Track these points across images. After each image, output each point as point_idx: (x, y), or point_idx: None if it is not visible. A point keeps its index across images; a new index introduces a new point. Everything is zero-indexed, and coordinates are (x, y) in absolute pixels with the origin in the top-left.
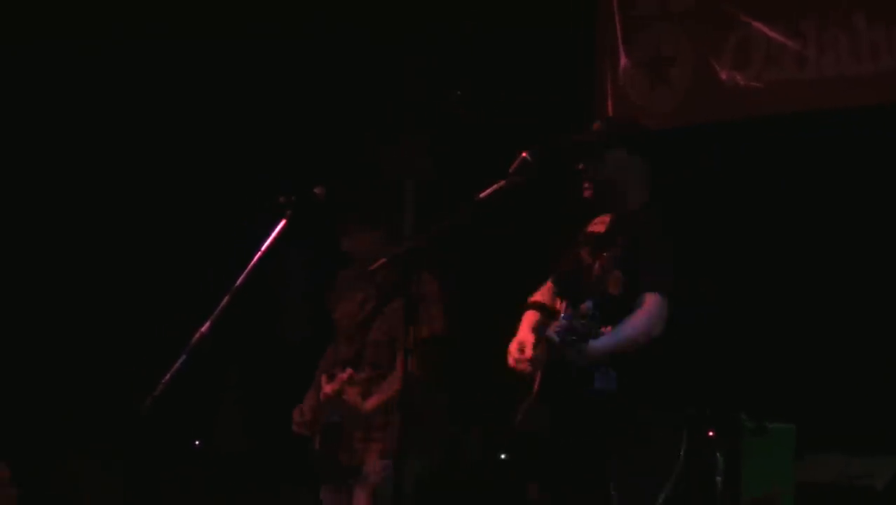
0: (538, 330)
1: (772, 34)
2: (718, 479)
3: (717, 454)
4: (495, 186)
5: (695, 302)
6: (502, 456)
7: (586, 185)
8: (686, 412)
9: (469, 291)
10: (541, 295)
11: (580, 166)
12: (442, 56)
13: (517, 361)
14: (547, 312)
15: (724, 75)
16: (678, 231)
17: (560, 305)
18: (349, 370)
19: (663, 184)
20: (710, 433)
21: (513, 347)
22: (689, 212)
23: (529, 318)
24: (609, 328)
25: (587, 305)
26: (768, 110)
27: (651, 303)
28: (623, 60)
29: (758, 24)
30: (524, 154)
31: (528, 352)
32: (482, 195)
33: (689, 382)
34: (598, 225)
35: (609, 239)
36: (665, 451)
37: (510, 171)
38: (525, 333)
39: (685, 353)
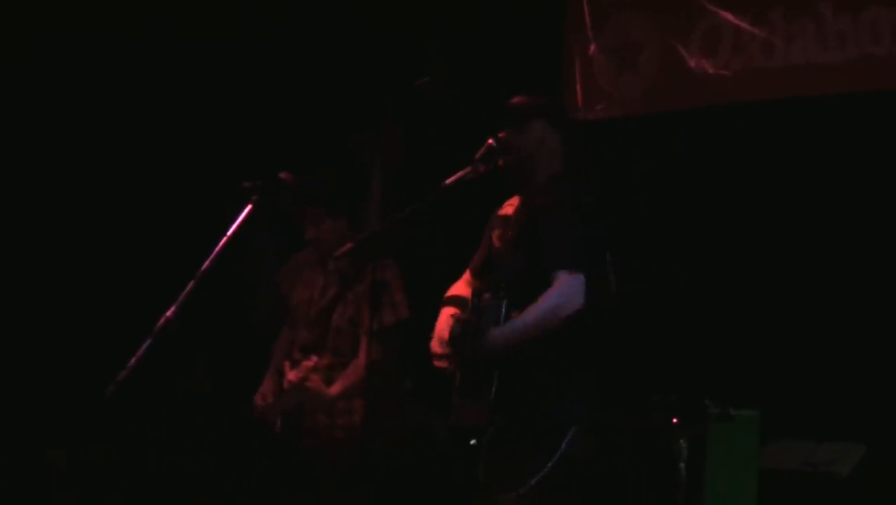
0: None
1: (739, 22)
2: (681, 465)
3: (681, 441)
4: (461, 173)
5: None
6: (472, 442)
7: (507, 156)
8: (652, 399)
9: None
10: (457, 288)
11: (501, 134)
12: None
13: (439, 358)
14: (462, 304)
15: (692, 63)
16: (590, 204)
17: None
18: (314, 358)
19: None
20: (674, 420)
21: (434, 343)
22: (656, 199)
23: (444, 315)
24: (518, 313)
25: (486, 297)
26: (736, 98)
27: (560, 281)
28: (591, 47)
29: (725, 14)
30: (490, 141)
31: (443, 350)
32: (448, 182)
33: (653, 368)
34: (508, 207)
35: (516, 219)
36: (546, 438)
37: (475, 157)
38: (442, 329)
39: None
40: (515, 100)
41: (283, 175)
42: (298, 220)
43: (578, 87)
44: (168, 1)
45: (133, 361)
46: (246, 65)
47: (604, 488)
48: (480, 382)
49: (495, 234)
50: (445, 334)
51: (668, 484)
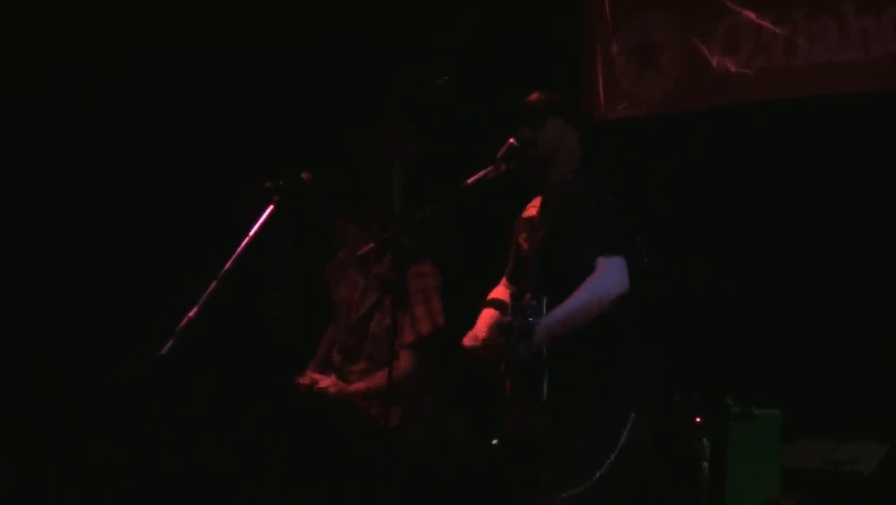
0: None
1: (761, 21)
2: (705, 464)
3: (704, 440)
4: (482, 173)
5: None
6: (493, 442)
7: (519, 141)
8: (672, 398)
9: (458, 277)
10: (498, 292)
11: (519, 132)
12: (431, 45)
13: (471, 349)
14: (502, 307)
15: (714, 62)
16: (613, 194)
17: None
18: (333, 379)
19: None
20: (697, 419)
21: (467, 339)
22: (677, 198)
23: (485, 315)
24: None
25: (528, 297)
26: (758, 97)
27: (601, 266)
28: (613, 47)
29: (747, 13)
30: (511, 140)
31: (481, 335)
32: (469, 181)
33: (675, 367)
34: (531, 209)
35: (541, 218)
36: (605, 431)
37: (497, 157)
38: (480, 327)
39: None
40: (533, 97)
41: (303, 174)
42: (330, 224)
43: (600, 87)
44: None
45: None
46: (265, 65)
47: (653, 482)
48: (531, 385)
49: (521, 236)
50: (482, 333)
51: (691, 483)
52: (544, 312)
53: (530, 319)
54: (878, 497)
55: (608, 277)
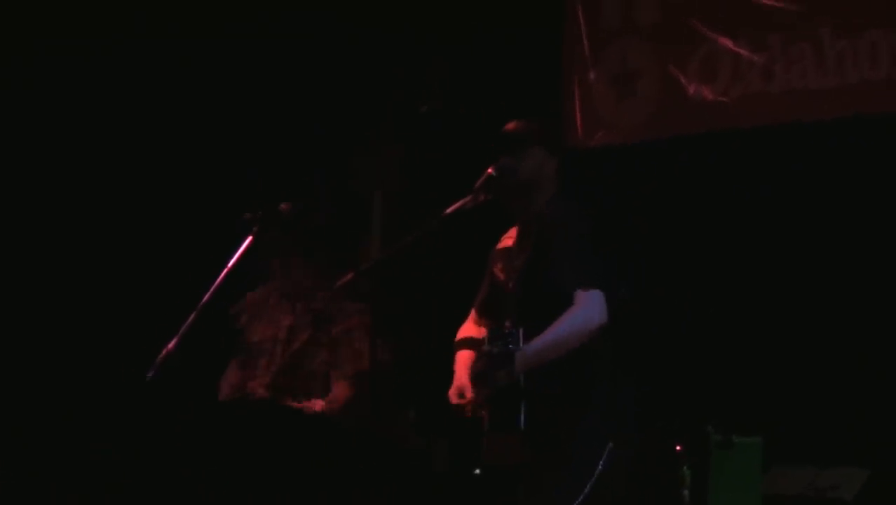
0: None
1: (738, 49)
2: (685, 492)
3: (684, 468)
4: (460, 203)
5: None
6: (476, 471)
7: (498, 168)
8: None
9: (435, 307)
10: (467, 329)
11: (498, 161)
12: (416, 71)
13: (458, 406)
14: (476, 345)
15: (691, 89)
16: (592, 220)
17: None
18: None
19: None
20: (677, 447)
21: (452, 393)
22: (658, 222)
23: (462, 359)
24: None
25: (507, 325)
26: (736, 124)
27: (580, 299)
28: (590, 74)
29: (724, 40)
30: (489, 170)
31: (469, 395)
32: (448, 211)
33: (656, 394)
34: (507, 240)
35: (518, 248)
36: (583, 459)
37: (475, 186)
38: (462, 377)
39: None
40: (512, 125)
41: (283, 206)
42: (271, 253)
43: (578, 114)
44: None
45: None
46: (244, 88)
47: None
48: (510, 415)
49: (497, 267)
50: (467, 381)
51: None
52: (521, 341)
53: (510, 347)
54: None
55: (587, 311)
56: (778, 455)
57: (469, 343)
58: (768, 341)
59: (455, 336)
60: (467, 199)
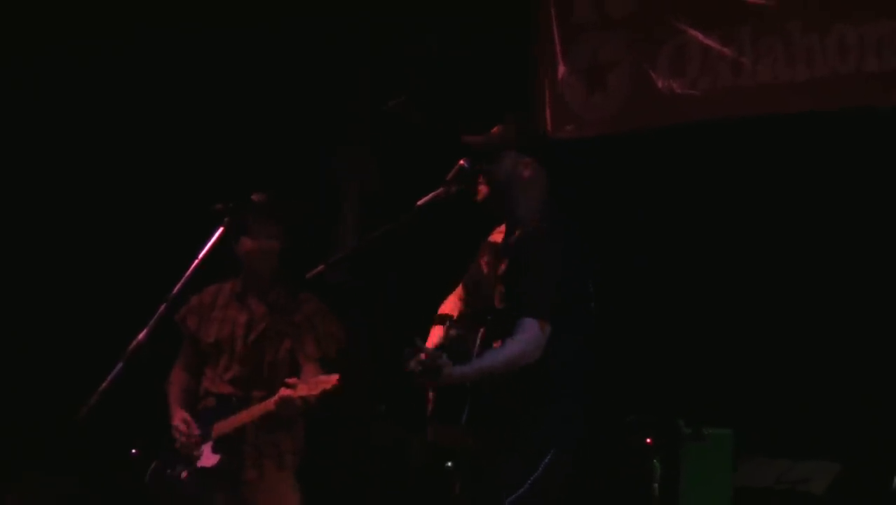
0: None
1: (708, 41)
2: (656, 485)
3: (655, 461)
4: (433, 194)
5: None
6: (448, 464)
7: (481, 187)
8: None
9: (411, 299)
10: (450, 304)
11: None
12: (389, 65)
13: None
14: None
15: (660, 83)
16: (566, 248)
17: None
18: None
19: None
20: (648, 440)
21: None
22: (629, 217)
23: (434, 333)
24: (498, 344)
25: (452, 333)
26: (705, 116)
27: (528, 330)
28: (561, 68)
29: (694, 32)
30: (461, 162)
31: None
32: (420, 202)
33: (627, 389)
34: (498, 234)
35: (503, 250)
36: (524, 461)
37: (447, 178)
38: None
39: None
40: (487, 133)
41: (254, 196)
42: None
43: (548, 107)
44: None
45: (104, 385)
46: (217, 84)
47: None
48: (454, 404)
49: (484, 259)
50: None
51: (643, 504)
52: (476, 345)
53: (441, 359)
54: None
55: (526, 345)
56: (749, 447)
57: (446, 319)
58: (739, 334)
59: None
60: (439, 190)
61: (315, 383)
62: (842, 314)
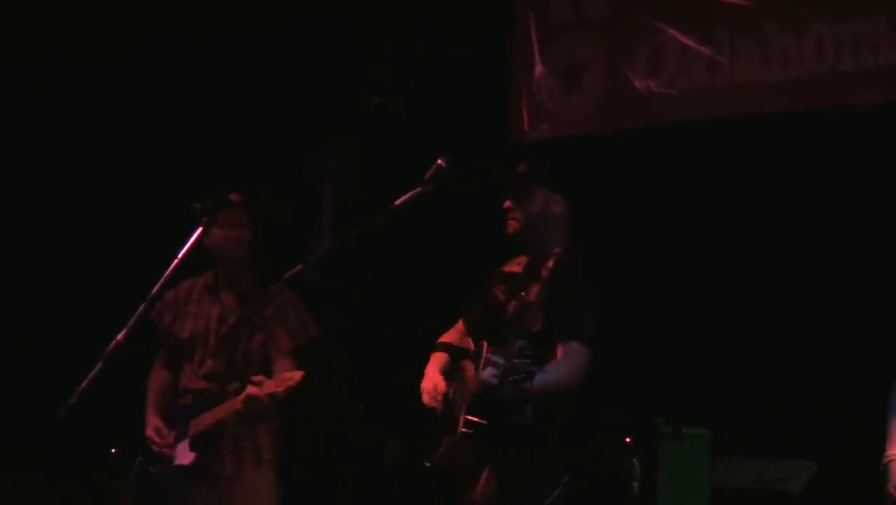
0: (447, 372)
1: (685, 41)
2: (635, 484)
3: (634, 460)
4: (411, 193)
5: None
6: (426, 463)
7: (511, 221)
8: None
9: (390, 298)
10: (450, 336)
11: (506, 204)
12: (368, 64)
13: (433, 399)
14: (455, 353)
15: (637, 83)
16: (597, 275)
17: (470, 344)
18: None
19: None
20: (627, 439)
21: (427, 385)
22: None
23: (437, 359)
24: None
25: (521, 343)
26: (682, 116)
27: (578, 352)
28: (538, 67)
29: (672, 32)
30: (439, 161)
31: (442, 387)
32: (397, 202)
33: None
34: (515, 266)
35: (526, 279)
36: (546, 478)
37: (425, 178)
38: (435, 374)
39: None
40: (518, 170)
41: (233, 196)
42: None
43: (524, 106)
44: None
45: (84, 384)
46: (198, 85)
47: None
48: (487, 429)
49: (498, 289)
50: (440, 379)
51: (622, 503)
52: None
53: (533, 368)
54: None
55: (580, 365)
56: (726, 447)
57: (446, 347)
58: (717, 334)
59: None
60: (417, 190)
61: (281, 380)
62: (819, 314)
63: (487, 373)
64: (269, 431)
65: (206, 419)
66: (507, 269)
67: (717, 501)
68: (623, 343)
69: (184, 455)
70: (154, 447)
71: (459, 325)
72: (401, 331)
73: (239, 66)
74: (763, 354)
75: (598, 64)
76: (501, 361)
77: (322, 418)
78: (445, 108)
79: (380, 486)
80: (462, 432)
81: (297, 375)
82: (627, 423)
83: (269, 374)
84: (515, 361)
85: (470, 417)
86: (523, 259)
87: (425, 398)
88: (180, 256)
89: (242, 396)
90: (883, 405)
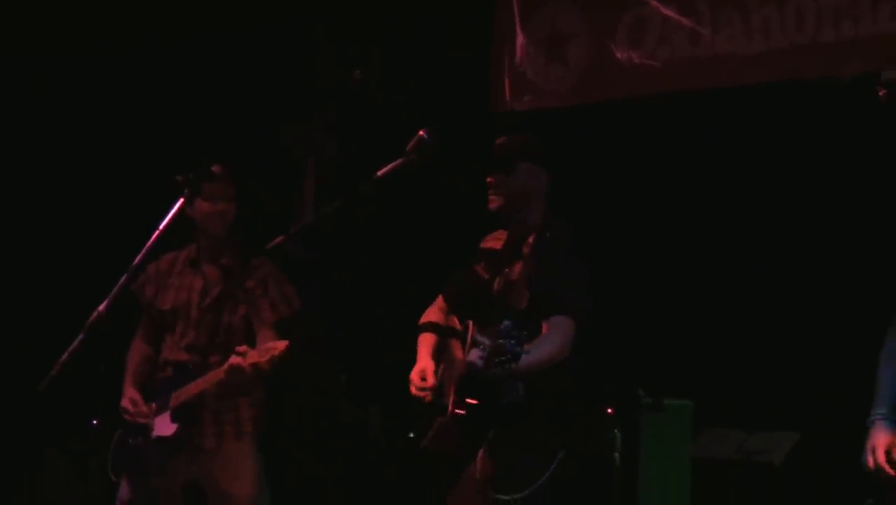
0: (437, 355)
1: (666, 12)
2: (616, 455)
3: (616, 431)
4: (393, 165)
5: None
6: (410, 435)
7: (493, 197)
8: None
9: (370, 274)
10: (433, 314)
11: (489, 179)
12: (348, 36)
13: (420, 389)
14: (441, 332)
15: (619, 54)
16: (587, 249)
17: (456, 322)
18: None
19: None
20: (609, 410)
21: (415, 377)
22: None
23: (427, 341)
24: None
25: (506, 324)
26: (663, 88)
27: (567, 326)
28: (520, 38)
29: (653, 3)
30: (421, 133)
31: (431, 380)
32: (380, 173)
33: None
34: (494, 241)
35: (507, 256)
36: (540, 455)
37: (407, 149)
38: (425, 360)
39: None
40: (499, 143)
41: (214, 167)
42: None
43: (506, 78)
44: None
45: (65, 356)
46: (177, 56)
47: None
48: (479, 409)
49: (479, 266)
50: (431, 365)
51: (603, 474)
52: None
53: (520, 348)
54: (788, 486)
55: (569, 339)
56: (708, 418)
57: (433, 327)
58: (699, 305)
59: (415, 318)
60: (399, 161)
61: (265, 350)
62: (800, 284)
63: (473, 355)
64: (250, 403)
65: (188, 390)
66: (486, 245)
67: (698, 473)
68: (605, 314)
69: (165, 426)
70: (126, 417)
71: (440, 301)
72: (384, 303)
73: (221, 38)
74: (745, 324)
75: (581, 35)
76: (487, 343)
77: (306, 391)
78: (426, 79)
79: (363, 458)
80: (454, 413)
81: (281, 344)
82: (609, 393)
83: (251, 345)
84: (500, 341)
85: (461, 398)
86: (502, 234)
87: (412, 389)
88: (161, 227)
89: (225, 366)
90: (867, 374)
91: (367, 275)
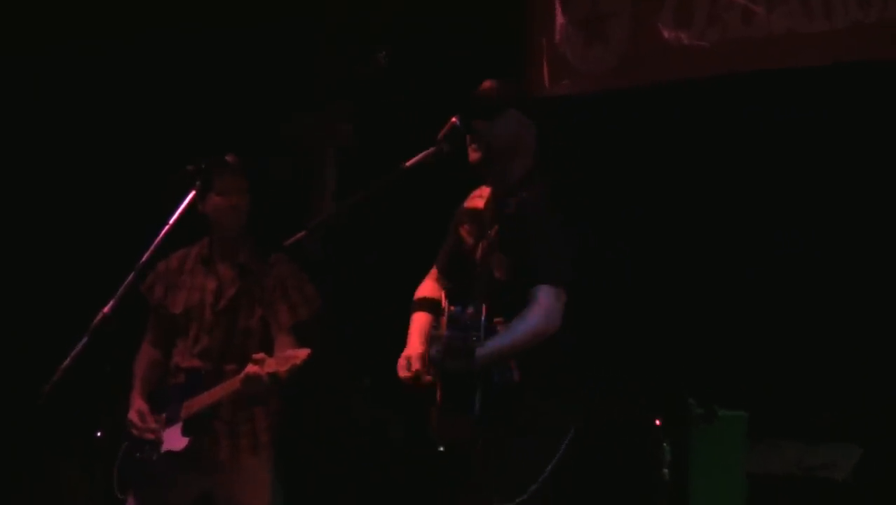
0: (427, 337)
1: None
2: (665, 470)
3: (664, 445)
4: (423, 154)
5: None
6: (440, 449)
7: (473, 146)
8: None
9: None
10: (426, 288)
11: (473, 124)
12: (363, 21)
13: (405, 369)
14: (435, 308)
15: (666, 34)
16: (564, 207)
17: (444, 303)
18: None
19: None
20: (657, 422)
21: (402, 362)
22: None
23: (418, 321)
24: (500, 320)
25: (454, 311)
26: (714, 70)
27: (545, 297)
28: (559, 18)
29: None
30: (454, 119)
31: (416, 365)
32: (409, 163)
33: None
34: (477, 199)
35: (490, 216)
36: (544, 442)
37: (439, 137)
38: (414, 345)
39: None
40: (485, 86)
41: (228, 157)
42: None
43: (545, 61)
44: None
45: (68, 361)
46: (191, 50)
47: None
48: (464, 399)
49: (464, 228)
50: (418, 350)
51: (651, 490)
52: (482, 321)
53: (473, 339)
54: None
55: (549, 312)
56: (763, 430)
57: (427, 304)
58: (756, 310)
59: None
60: (430, 150)
61: (284, 359)
62: (864, 291)
63: (433, 350)
64: (267, 413)
65: (200, 400)
66: (468, 204)
67: (753, 489)
68: (654, 319)
69: (175, 440)
70: (133, 431)
71: (434, 272)
72: (392, 302)
73: (237, 27)
74: (804, 329)
75: (623, 14)
76: (444, 336)
77: (320, 393)
78: (454, 64)
79: (383, 463)
80: (442, 408)
81: (303, 353)
82: (657, 403)
83: (268, 351)
84: (450, 334)
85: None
86: (485, 191)
87: (400, 371)
88: (171, 221)
89: (241, 375)
90: None
91: (374, 273)
